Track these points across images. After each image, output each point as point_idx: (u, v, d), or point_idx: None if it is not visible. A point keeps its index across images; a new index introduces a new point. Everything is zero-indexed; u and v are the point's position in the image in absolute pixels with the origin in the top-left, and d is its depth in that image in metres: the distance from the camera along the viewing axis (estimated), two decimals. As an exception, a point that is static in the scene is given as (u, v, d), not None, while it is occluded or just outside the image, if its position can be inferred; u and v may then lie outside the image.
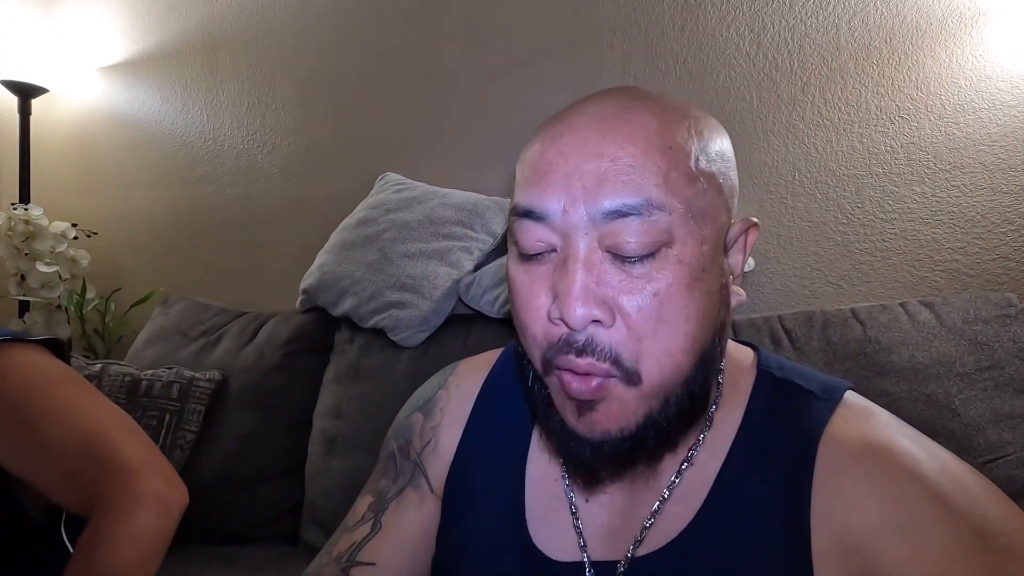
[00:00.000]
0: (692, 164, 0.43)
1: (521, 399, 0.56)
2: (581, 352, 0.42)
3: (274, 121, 1.66)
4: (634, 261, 0.41)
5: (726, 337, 0.47)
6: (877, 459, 0.42)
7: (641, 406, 0.42)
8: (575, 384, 0.42)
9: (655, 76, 1.28)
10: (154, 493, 0.59)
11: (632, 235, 0.41)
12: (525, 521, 0.51)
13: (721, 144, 0.46)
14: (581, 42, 1.34)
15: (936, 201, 1.10)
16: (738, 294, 0.48)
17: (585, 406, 0.43)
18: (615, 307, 0.41)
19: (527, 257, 0.45)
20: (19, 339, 0.69)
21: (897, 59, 1.11)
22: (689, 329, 0.42)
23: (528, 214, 0.44)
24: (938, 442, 0.46)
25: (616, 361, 0.41)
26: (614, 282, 0.41)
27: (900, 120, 1.11)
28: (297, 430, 1.25)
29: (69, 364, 0.74)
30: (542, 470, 0.53)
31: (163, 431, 1.17)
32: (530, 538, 0.50)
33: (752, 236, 0.48)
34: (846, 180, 1.15)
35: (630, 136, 0.42)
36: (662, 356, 0.42)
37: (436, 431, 0.58)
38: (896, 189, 1.12)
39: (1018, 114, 1.04)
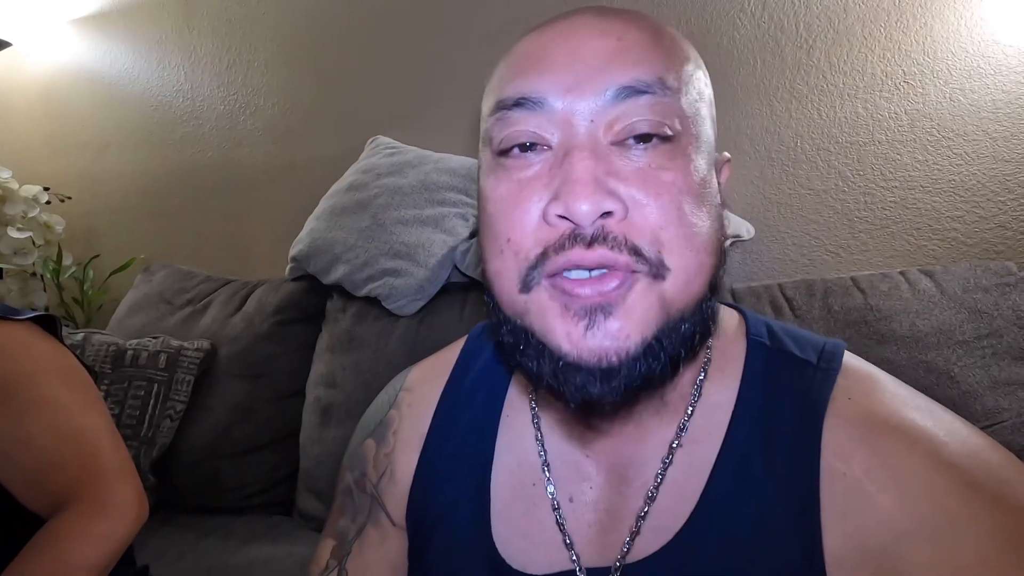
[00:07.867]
0: (692, 65, 0.41)
1: (485, 399, 0.50)
2: (591, 243, 0.35)
3: (257, 80, 1.58)
4: (645, 148, 0.37)
5: (724, 272, 0.43)
6: (891, 444, 0.37)
7: (660, 314, 0.36)
8: (585, 288, 0.35)
9: (656, 37, 1.24)
10: (131, 502, 0.64)
11: (644, 114, 0.37)
12: (492, 536, 0.45)
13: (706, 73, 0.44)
14: None
15: (937, 169, 1.09)
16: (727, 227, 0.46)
17: (602, 311, 0.35)
18: (628, 199, 0.36)
19: (511, 154, 0.38)
20: (9, 318, 0.68)
21: (905, 22, 1.08)
22: (707, 229, 0.38)
23: (520, 103, 0.38)
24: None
25: (636, 251, 0.36)
26: (625, 172, 0.36)
27: (906, 86, 1.09)
28: (289, 399, 1.22)
29: (62, 341, 0.73)
30: (515, 475, 0.47)
31: (151, 401, 1.14)
32: (497, 553, 0.44)
33: (726, 172, 0.45)
34: (849, 147, 1.13)
35: (633, 20, 0.40)
36: (686, 251, 0.36)
37: (391, 458, 0.52)
38: (898, 157, 1.11)
39: (1024, 80, 1.03)
